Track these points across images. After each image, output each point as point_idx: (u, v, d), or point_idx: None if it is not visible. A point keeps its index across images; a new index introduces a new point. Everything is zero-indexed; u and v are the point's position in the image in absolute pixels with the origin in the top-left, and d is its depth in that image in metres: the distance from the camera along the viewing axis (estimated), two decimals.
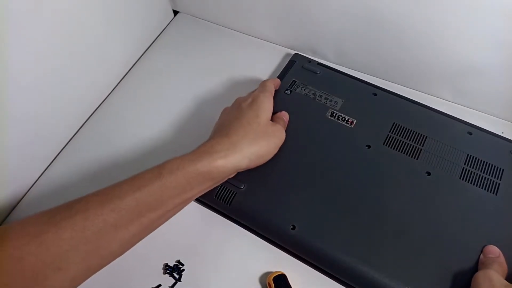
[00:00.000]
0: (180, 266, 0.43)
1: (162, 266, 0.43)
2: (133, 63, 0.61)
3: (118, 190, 0.36)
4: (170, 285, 0.42)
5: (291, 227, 0.42)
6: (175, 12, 0.67)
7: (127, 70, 0.60)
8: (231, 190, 0.44)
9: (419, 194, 0.44)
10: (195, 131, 0.49)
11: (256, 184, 0.45)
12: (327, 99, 0.52)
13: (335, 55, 0.58)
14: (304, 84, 0.53)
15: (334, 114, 0.50)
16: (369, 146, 0.48)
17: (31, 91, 0.44)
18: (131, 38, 0.59)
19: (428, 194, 0.44)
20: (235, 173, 0.43)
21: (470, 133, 0.49)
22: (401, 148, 0.47)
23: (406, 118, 0.50)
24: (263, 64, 0.60)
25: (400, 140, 0.48)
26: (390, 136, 0.48)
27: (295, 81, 0.54)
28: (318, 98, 0.52)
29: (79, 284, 0.35)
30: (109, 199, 0.35)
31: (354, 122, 0.50)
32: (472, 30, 0.47)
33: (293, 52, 0.59)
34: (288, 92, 0.53)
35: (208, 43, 0.63)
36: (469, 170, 0.45)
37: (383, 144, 0.48)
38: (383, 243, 0.41)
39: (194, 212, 0.46)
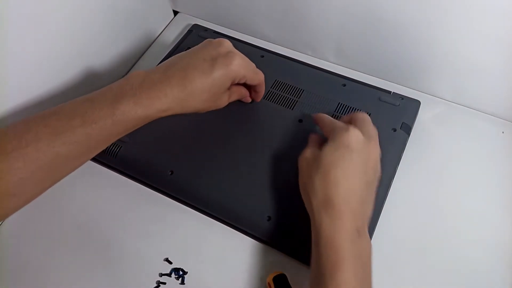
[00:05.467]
0: (182, 270, 0.43)
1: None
2: (133, 63, 0.61)
3: (69, 125, 0.35)
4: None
5: (170, 172, 0.46)
6: (175, 12, 0.67)
7: (126, 71, 0.60)
8: (116, 144, 0.48)
9: (290, 138, 0.48)
10: None
11: (140, 137, 0.49)
12: None
13: (335, 55, 0.59)
14: None
15: None
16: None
17: (29, 91, 0.45)
18: (131, 38, 0.59)
19: (298, 138, 0.48)
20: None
21: (344, 85, 0.53)
22: (279, 101, 0.52)
23: (288, 76, 0.54)
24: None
25: (280, 94, 0.52)
26: (271, 91, 0.52)
27: (190, 48, 0.57)
28: None
29: (33, 199, 0.37)
30: (60, 132, 0.35)
31: None
32: (472, 30, 0.46)
33: None
34: None
35: None
36: (338, 116, 0.50)
37: (264, 99, 0.52)
38: (249, 181, 0.46)
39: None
